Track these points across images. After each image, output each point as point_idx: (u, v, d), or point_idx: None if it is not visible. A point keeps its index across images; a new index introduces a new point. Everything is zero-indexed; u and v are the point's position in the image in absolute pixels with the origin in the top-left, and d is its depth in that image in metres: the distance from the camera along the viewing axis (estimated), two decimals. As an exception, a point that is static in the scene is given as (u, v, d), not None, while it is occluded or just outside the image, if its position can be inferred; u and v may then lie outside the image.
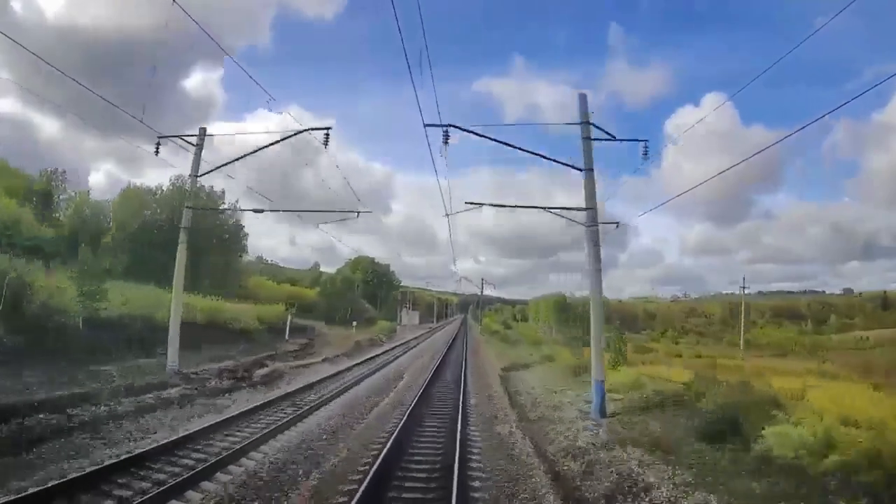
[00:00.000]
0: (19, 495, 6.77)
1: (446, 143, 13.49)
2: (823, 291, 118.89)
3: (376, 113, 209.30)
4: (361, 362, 26.95)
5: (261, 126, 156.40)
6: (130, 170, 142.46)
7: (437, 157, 13.99)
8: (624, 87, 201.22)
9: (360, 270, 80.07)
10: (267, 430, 11.01)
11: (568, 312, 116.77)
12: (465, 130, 13.96)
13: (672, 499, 7.76)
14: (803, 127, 10.13)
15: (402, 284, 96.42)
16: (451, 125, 13.57)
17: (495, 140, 14.32)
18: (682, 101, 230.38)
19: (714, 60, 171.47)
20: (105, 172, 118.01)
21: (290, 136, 17.15)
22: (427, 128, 13.21)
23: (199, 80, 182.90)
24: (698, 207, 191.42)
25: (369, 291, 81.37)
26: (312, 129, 16.69)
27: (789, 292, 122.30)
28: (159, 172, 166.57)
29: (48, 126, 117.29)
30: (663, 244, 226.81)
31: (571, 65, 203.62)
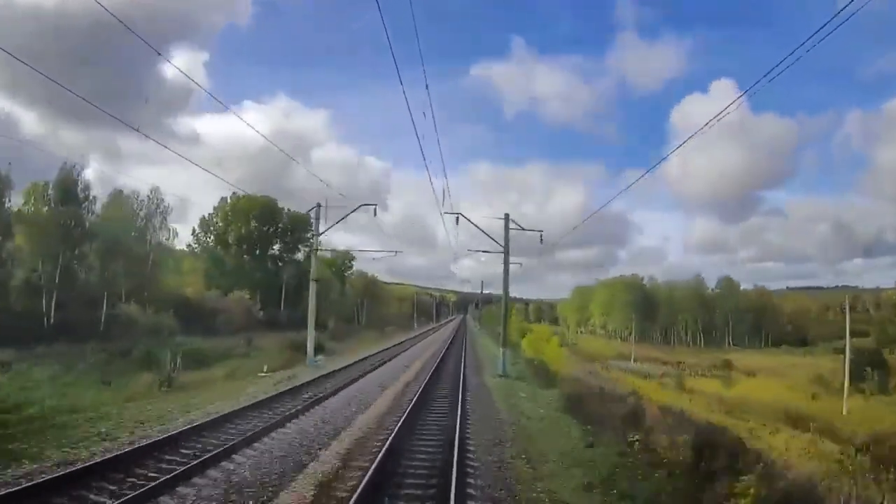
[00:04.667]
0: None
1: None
2: (857, 287, 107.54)
3: (373, 106, 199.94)
4: None
5: (249, 118, 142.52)
6: (120, 166, 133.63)
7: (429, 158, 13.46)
8: (630, 71, 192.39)
9: (249, 217, 45.39)
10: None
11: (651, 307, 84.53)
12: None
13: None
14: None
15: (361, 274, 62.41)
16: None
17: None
18: (690, 88, 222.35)
19: (722, 47, 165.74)
20: (92, 168, 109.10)
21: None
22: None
23: (180, 64, 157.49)
24: (704, 204, 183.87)
25: (259, 262, 46.32)
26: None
27: (818, 287, 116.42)
28: (153, 170, 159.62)
29: (25, 118, 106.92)
30: (666, 242, 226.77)
31: (574, 48, 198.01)
